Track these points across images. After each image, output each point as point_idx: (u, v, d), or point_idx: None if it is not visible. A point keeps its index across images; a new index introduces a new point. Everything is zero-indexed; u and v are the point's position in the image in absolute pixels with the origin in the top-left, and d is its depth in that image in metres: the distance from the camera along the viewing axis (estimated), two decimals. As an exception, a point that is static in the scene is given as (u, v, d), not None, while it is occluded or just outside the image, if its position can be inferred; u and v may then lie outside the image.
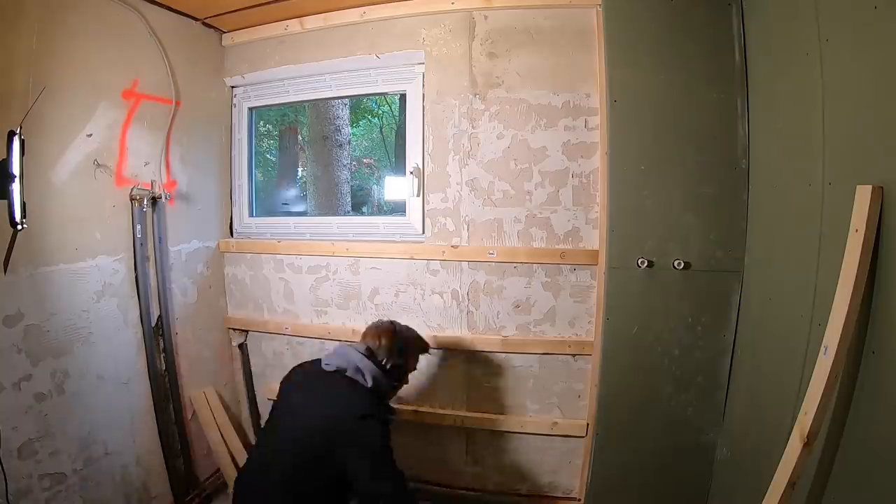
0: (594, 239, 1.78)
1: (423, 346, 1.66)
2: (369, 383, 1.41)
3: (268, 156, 5.85)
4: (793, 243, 1.25)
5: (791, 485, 0.99)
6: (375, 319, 1.64)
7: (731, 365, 1.56)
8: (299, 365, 1.56)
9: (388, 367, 1.48)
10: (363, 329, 2.01)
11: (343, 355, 1.45)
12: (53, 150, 1.50)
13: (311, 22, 2.01)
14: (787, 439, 1.02)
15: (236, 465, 2.07)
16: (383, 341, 1.51)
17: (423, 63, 1.91)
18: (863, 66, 0.98)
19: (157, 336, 1.87)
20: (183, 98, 1.93)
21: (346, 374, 1.41)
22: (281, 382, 1.53)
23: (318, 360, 1.49)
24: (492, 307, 1.90)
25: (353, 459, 1.26)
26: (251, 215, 2.29)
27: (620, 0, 1.58)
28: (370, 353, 1.48)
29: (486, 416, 1.93)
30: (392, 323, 1.59)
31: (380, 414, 1.37)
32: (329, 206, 4.00)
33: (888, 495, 0.87)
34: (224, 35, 2.15)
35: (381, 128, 6.90)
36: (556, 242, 1.82)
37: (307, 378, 1.47)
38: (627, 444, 1.68)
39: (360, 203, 5.83)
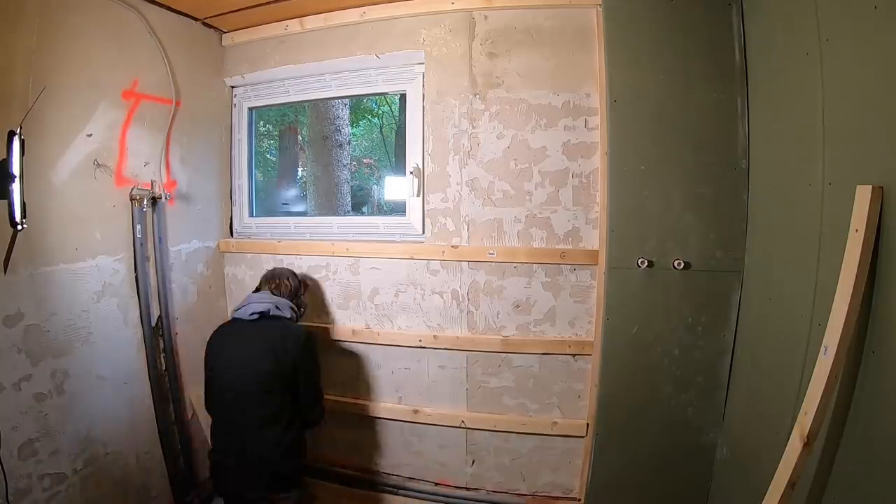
0: (594, 239, 1.78)
1: (307, 284, 1.96)
2: (289, 315, 1.68)
3: (268, 156, 5.84)
4: (793, 243, 1.25)
5: (791, 485, 0.99)
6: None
7: (731, 365, 1.56)
8: (217, 330, 1.68)
9: (295, 303, 1.76)
10: (363, 329, 2.04)
11: (261, 301, 1.65)
12: (53, 150, 1.50)
13: (311, 22, 2.01)
14: (787, 439, 1.02)
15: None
16: (285, 283, 1.76)
17: (423, 63, 1.91)
18: (863, 66, 0.98)
19: (157, 336, 1.87)
20: (183, 98, 1.93)
21: (271, 314, 1.63)
22: (207, 353, 1.64)
23: (234, 319, 1.65)
24: (492, 307, 1.90)
25: (303, 376, 1.59)
26: (251, 215, 2.29)
27: (620, 0, 1.58)
28: (279, 295, 1.72)
29: (486, 415, 1.93)
30: (281, 268, 1.86)
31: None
32: (329, 206, 4.00)
33: (888, 495, 0.87)
34: (224, 35, 2.15)
35: (381, 128, 6.90)
36: (556, 242, 1.82)
37: (237, 331, 1.62)
38: (627, 444, 1.68)
39: (360, 203, 5.83)
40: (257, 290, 1.77)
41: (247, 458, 1.52)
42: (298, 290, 1.81)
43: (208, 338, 1.66)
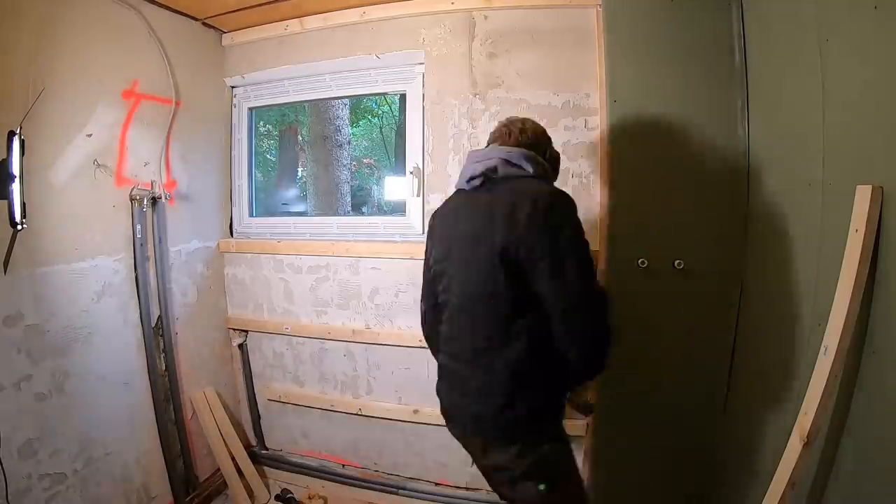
0: (594, 239, 1.77)
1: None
2: (531, 170, 1.11)
3: (268, 156, 5.85)
4: (793, 243, 1.25)
5: (791, 485, 0.99)
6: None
7: (731, 365, 1.56)
8: (436, 211, 1.29)
9: (540, 153, 1.17)
10: (363, 329, 2.04)
11: (484, 158, 1.13)
12: (53, 150, 1.50)
13: (311, 22, 2.01)
14: (787, 439, 1.02)
15: (236, 465, 2.08)
16: (519, 128, 1.19)
17: (423, 63, 1.91)
18: (863, 67, 0.98)
19: (157, 336, 1.87)
20: (183, 98, 1.93)
21: (499, 174, 1.10)
22: (429, 234, 1.28)
23: (452, 196, 1.24)
24: (492, 307, 1.89)
25: (553, 263, 1.00)
26: (251, 215, 2.29)
27: (620, 0, 1.58)
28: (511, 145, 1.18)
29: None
30: (513, 116, 1.27)
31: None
32: (329, 206, 4.00)
33: (888, 495, 0.87)
34: (224, 35, 2.15)
35: (381, 128, 6.91)
36: (556, 242, 1.81)
37: (452, 209, 1.21)
38: (627, 444, 1.68)
39: (360, 203, 5.83)
40: (489, 143, 1.25)
41: (466, 398, 1.12)
42: (542, 136, 1.23)
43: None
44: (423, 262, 1.33)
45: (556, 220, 1.02)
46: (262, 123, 4.84)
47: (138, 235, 1.76)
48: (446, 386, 1.21)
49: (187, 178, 2.01)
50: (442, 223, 1.25)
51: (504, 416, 1.05)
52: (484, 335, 1.08)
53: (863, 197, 0.92)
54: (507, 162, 1.11)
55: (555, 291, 1.01)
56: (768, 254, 1.40)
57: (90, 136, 1.60)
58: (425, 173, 1.93)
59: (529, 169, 1.11)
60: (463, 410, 1.15)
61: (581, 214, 1.79)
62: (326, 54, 2.01)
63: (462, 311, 1.13)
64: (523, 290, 1.03)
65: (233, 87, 2.22)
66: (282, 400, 2.21)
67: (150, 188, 1.79)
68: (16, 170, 1.34)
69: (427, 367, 1.98)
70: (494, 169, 1.11)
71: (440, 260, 1.20)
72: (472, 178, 1.14)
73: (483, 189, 1.12)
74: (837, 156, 1.06)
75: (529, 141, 1.18)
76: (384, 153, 6.96)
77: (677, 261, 1.55)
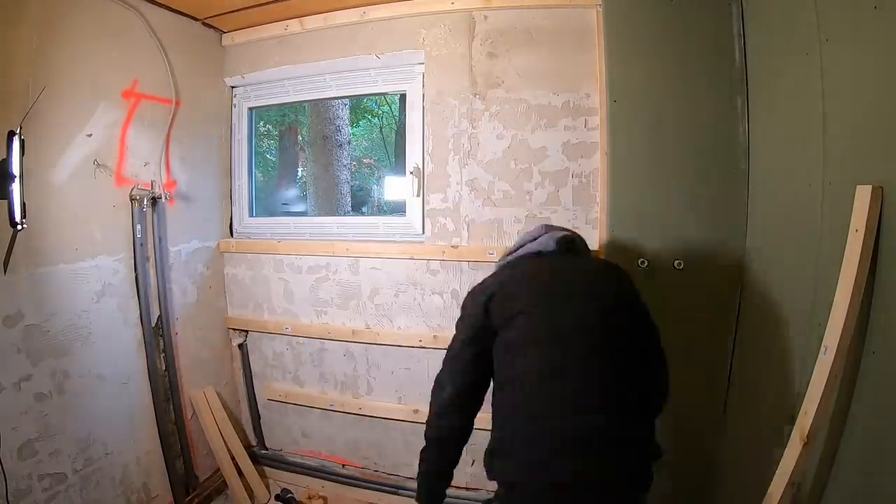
0: (594, 239, 1.77)
1: None
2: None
3: (268, 156, 5.85)
4: (792, 243, 1.25)
5: (791, 485, 0.99)
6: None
7: (730, 365, 1.56)
8: (496, 275, 1.24)
9: None
10: (363, 329, 2.03)
11: (563, 229, 1.25)
12: (53, 150, 1.50)
13: (311, 22, 2.01)
14: (787, 439, 1.02)
15: (236, 464, 2.08)
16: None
17: (423, 63, 1.91)
18: (863, 67, 0.98)
19: (157, 336, 1.87)
20: (183, 98, 1.93)
21: (577, 244, 1.23)
22: (486, 294, 1.14)
23: (518, 259, 1.22)
24: (492, 307, 1.89)
25: (650, 328, 1.13)
26: (251, 215, 2.29)
27: (620, 0, 1.58)
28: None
29: (486, 415, 1.93)
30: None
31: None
32: (329, 206, 4.00)
33: (888, 495, 0.87)
34: (224, 35, 2.15)
35: (381, 128, 6.91)
36: (556, 242, 1.81)
37: (540, 268, 1.17)
38: (627, 444, 1.67)
39: (360, 203, 5.84)
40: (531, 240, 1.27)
41: (603, 465, 0.94)
42: None
43: (473, 293, 1.17)
44: (458, 316, 1.20)
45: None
46: (262, 123, 4.84)
47: (138, 235, 1.76)
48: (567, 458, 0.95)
49: (187, 178, 2.01)
50: (521, 286, 1.14)
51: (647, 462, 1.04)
52: (620, 386, 1.00)
53: (863, 197, 0.92)
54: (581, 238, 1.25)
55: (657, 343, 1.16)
56: (768, 254, 1.40)
57: (90, 135, 1.60)
58: (425, 173, 1.93)
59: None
60: (606, 469, 0.95)
61: (581, 214, 1.80)
62: (326, 54, 2.01)
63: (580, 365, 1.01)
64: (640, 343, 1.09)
65: (233, 87, 2.22)
66: (282, 400, 2.21)
67: (150, 188, 1.79)
68: (16, 170, 1.34)
69: (427, 367, 1.99)
70: (573, 240, 1.21)
71: (524, 326, 1.05)
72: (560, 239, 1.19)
73: (569, 254, 1.19)
74: (837, 156, 1.06)
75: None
76: (384, 153, 6.97)
77: (677, 261, 1.55)
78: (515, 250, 1.25)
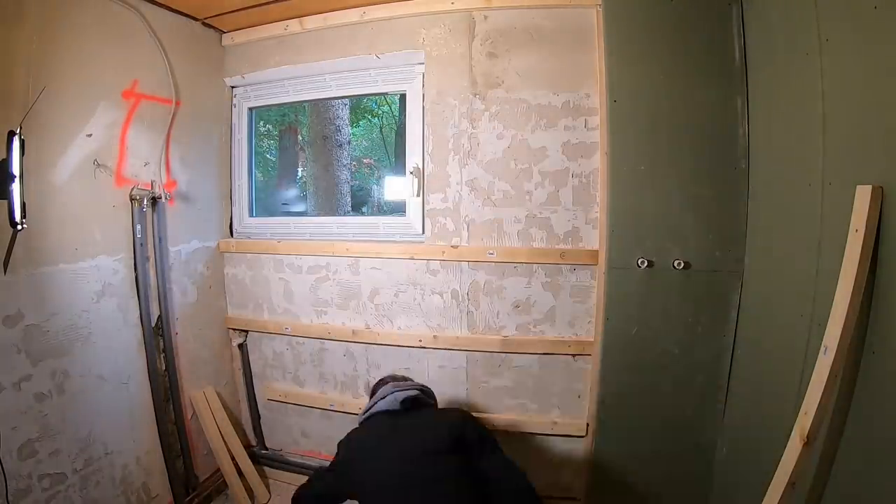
0: (594, 239, 1.78)
1: None
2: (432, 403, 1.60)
3: (268, 156, 5.85)
4: (793, 243, 1.25)
5: (791, 485, 0.99)
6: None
7: (731, 365, 1.56)
8: (350, 436, 1.51)
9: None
10: (363, 329, 2.04)
11: (408, 387, 1.54)
12: (53, 150, 1.50)
13: (311, 22, 2.01)
14: (787, 439, 1.02)
15: (236, 464, 2.08)
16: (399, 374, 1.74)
17: (423, 63, 1.91)
18: (863, 66, 0.98)
19: (157, 336, 1.87)
20: (183, 98, 1.93)
21: (420, 400, 1.51)
22: (351, 451, 1.45)
23: (370, 416, 1.51)
24: (492, 307, 1.90)
25: (482, 444, 1.37)
26: (251, 215, 2.28)
27: (620, 0, 1.58)
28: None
29: (485, 415, 1.93)
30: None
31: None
32: (329, 206, 4.00)
33: (888, 495, 0.87)
34: (224, 35, 2.15)
35: (381, 128, 6.91)
36: (556, 242, 1.82)
37: (388, 424, 1.46)
38: (627, 444, 1.68)
39: (360, 203, 5.84)
40: (379, 387, 1.62)
41: None
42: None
43: (342, 449, 1.47)
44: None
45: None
46: (262, 123, 4.84)
47: (138, 235, 1.76)
48: None
49: (187, 177, 2.01)
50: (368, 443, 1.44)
51: None
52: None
53: (863, 197, 0.92)
54: (423, 392, 1.54)
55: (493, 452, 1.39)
56: (768, 254, 1.40)
57: (90, 135, 1.60)
58: (425, 173, 1.93)
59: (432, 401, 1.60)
60: None
61: (581, 214, 1.80)
62: (326, 54, 2.01)
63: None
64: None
65: (233, 87, 2.22)
66: (282, 400, 2.21)
67: (150, 188, 1.79)
68: (16, 170, 1.34)
69: (427, 367, 1.99)
70: (416, 398, 1.49)
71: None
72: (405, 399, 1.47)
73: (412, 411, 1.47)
74: (837, 156, 1.06)
75: None
76: (384, 153, 6.97)
77: (677, 261, 1.55)
78: (369, 409, 1.52)
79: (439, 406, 1.68)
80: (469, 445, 1.34)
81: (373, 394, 1.62)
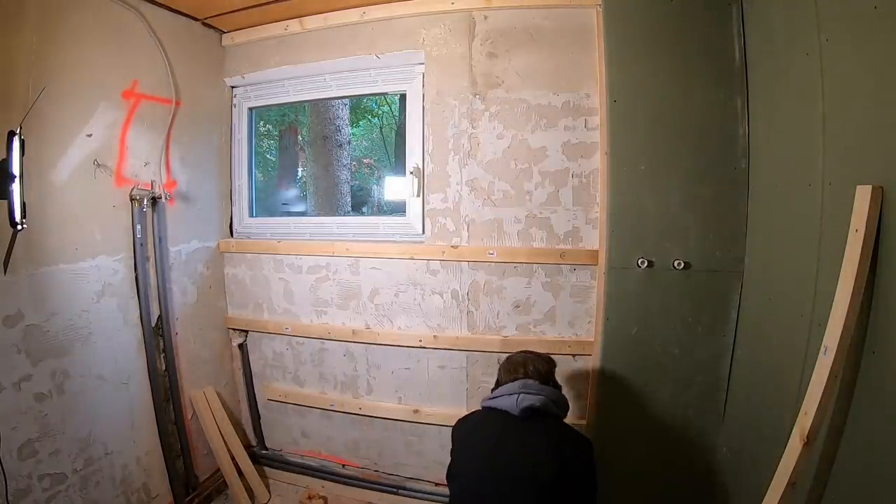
0: (594, 239, 1.78)
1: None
2: (562, 414, 1.36)
3: (268, 156, 5.84)
4: (793, 243, 1.25)
5: (791, 485, 0.99)
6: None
7: (731, 365, 1.56)
8: (474, 417, 1.41)
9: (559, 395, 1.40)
10: (363, 329, 2.04)
11: (535, 392, 1.32)
12: (53, 150, 1.50)
13: (311, 22, 2.01)
14: (787, 439, 1.02)
15: (236, 465, 2.08)
16: (537, 366, 1.41)
17: (423, 63, 1.91)
18: (863, 67, 0.98)
19: (157, 336, 1.87)
20: (183, 98, 1.93)
21: (543, 411, 1.31)
22: (458, 434, 1.39)
23: (489, 409, 1.36)
24: (492, 307, 1.90)
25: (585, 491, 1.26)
26: (251, 215, 2.29)
27: (620, 0, 1.58)
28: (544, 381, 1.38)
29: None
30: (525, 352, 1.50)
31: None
32: (329, 206, 4.00)
33: (888, 495, 0.87)
34: (224, 35, 2.15)
35: (381, 128, 6.91)
36: (556, 242, 1.82)
37: (502, 427, 1.31)
38: (627, 445, 1.68)
39: (360, 203, 5.83)
40: (511, 371, 1.41)
41: None
42: (552, 373, 1.44)
43: (454, 429, 1.39)
44: None
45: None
46: (262, 123, 4.84)
47: (138, 235, 1.76)
48: None
49: (187, 178, 2.01)
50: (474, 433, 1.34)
51: None
52: None
53: (863, 197, 0.92)
54: (552, 402, 1.32)
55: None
56: (768, 254, 1.40)
57: (90, 135, 1.60)
58: (425, 173, 1.93)
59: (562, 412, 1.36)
60: None
61: (581, 214, 1.80)
62: (326, 54, 2.01)
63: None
64: None
65: (233, 87, 2.22)
66: (282, 400, 2.21)
67: (150, 188, 1.79)
68: (16, 170, 1.34)
69: (427, 367, 1.99)
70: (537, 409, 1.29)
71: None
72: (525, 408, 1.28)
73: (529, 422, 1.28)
74: (837, 156, 1.06)
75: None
76: (384, 153, 6.96)
77: (677, 261, 1.55)
78: (495, 398, 1.36)
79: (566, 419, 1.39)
80: (567, 488, 1.19)
81: (501, 374, 1.44)
